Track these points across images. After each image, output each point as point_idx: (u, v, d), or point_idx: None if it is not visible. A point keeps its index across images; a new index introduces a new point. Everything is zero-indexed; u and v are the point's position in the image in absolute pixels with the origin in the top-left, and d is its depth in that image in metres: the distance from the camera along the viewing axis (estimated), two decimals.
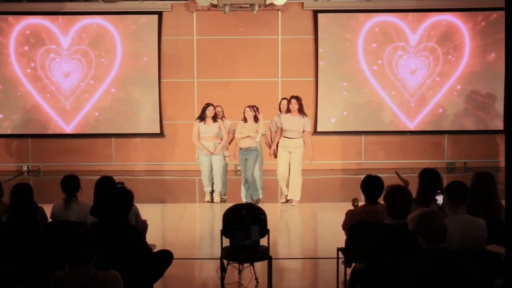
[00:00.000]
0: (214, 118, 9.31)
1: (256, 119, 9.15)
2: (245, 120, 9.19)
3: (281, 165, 9.12)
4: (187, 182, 12.01)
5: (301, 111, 8.95)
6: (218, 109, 9.62)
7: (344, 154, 13.54)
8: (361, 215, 5.20)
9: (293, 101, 8.92)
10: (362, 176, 5.60)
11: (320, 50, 13.09)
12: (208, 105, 9.32)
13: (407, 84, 13.19)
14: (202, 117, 9.36)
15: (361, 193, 5.40)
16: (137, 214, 5.77)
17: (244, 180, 9.39)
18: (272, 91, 13.10)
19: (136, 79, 13.16)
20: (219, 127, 9.38)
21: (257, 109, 9.36)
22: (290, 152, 9.05)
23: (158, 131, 13.35)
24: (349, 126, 13.52)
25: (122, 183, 5.75)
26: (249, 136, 9.20)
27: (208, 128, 9.38)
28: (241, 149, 9.34)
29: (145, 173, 13.07)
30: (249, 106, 9.34)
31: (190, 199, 10.22)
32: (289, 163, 9.17)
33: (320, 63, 13.09)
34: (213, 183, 9.72)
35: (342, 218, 5.59)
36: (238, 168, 10.21)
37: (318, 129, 13.48)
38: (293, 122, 9.10)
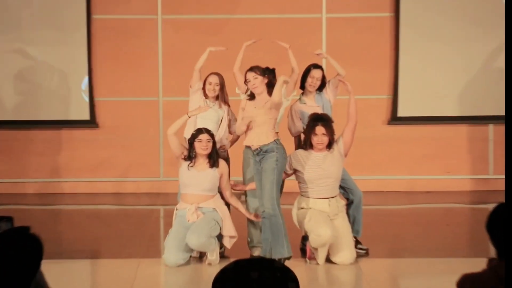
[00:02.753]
0: (212, 159, 7.79)
1: (269, 87, 7.63)
2: (250, 95, 7.69)
3: (323, 226, 7.60)
4: (142, 216, 10.48)
5: (330, 145, 7.88)
6: (212, 80, 7.96)
7: (450, 160, 11.29)
8: (491, 282, 3.89)
9: (320, 129, 7.67)
10: (489, 206, 4.97)
11: None
12: (198, 132, 7.77)
13: None
14: (190, 156, 7.87)
15: (489, 239, 3.87)
16: (42, 285, 4.08)
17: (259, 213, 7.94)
18: (309, 37, 10.89)
19: (44, 18, 11.20)
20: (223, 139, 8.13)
21: (272, 72, 7.75)
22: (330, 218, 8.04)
23: (87, 117, 11.14)
24: (458, 108, 11.23)
25: (10, 218, 5.43)
26: (258, 126, 7.78)
27: (197, 177, 7.84)
28: (248, 149, 7.89)
29: (53, 198, 11.17)
30: (251, 70, 7.78)
31: (148, 249, 8.53)
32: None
33: None
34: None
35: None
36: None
37: (400, 113, 11.07)
38: (318, 163, 7.80)
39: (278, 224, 7.52)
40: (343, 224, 7.66)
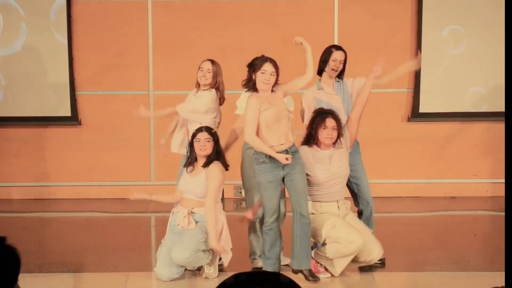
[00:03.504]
0: (207, 160, 7.59)
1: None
2: (249, 88, 7.39)
3: (353, 231, 7.54)
4: (131, 224, 10.26)
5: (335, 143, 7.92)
6: (203, 66, 7.77)
7: (478, 162, 11.10)
8: None
9: (331, 121, 7.71)
10: None
11: None
12: (197, 131, 7.63)
13: None
14: (189, 160, 7.68)
15: None
16: None
17: (263, 220, 7.62)
18: (318, 22, 10.69)
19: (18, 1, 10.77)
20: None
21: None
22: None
23: (67, 113, 10.83)
24: (489, 103, 10.99)
25: None
26: (285, 119, 7.85)
27: (190, 182, 7.71)
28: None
29: (30, 205, 10.90)
30: (272, 62, 7.46)
31: (138, 261, 8.20)
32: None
33: None
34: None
35: None
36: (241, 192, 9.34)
37: (422, 109, 10.85)
38: (325, 163, 7.72)
39: (310, 232, 7.33)
40: (354, 220, 7.51)
